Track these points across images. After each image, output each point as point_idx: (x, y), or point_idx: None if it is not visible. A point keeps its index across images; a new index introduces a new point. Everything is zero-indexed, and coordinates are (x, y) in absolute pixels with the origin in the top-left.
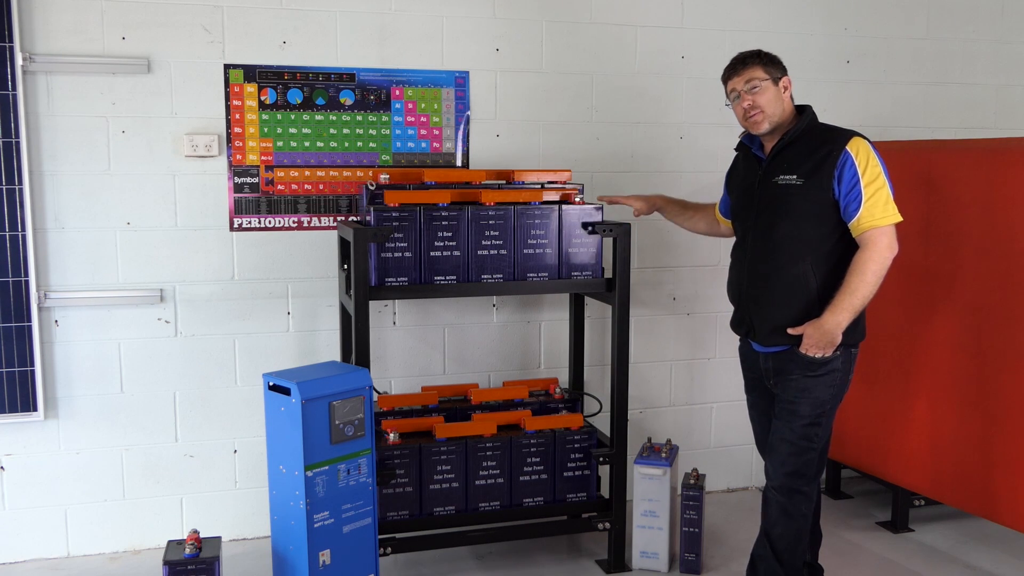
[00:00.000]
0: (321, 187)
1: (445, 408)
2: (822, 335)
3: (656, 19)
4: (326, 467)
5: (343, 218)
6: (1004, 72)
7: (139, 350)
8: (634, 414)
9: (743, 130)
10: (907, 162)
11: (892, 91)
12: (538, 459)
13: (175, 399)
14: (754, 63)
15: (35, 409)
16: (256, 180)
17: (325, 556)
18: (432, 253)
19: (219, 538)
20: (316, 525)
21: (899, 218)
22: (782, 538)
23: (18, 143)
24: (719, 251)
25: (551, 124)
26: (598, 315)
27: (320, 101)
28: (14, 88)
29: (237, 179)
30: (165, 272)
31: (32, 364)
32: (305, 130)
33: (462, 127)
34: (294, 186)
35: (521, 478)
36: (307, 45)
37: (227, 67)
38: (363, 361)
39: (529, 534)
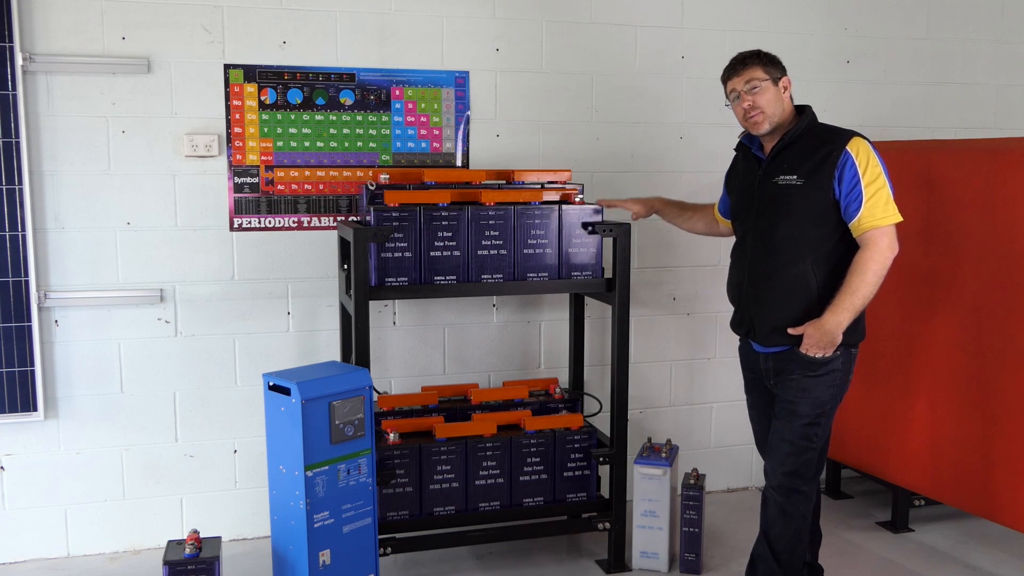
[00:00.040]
0: (321, 187)
1: (445, 408)
2: (823, 335)
3: (656, 19)
4: (326, 467)
5: (343, 218)
6: (1004, 72)
7: (139, 350)
8: (634, 414)
9: (743, 130)
10: (907, 162)
11: (892, 91)
12: (538, 459)
13: (175, 399)
14: (754, 63)
15: (35, 409)
16: (256, 180)
17: (325, 556)
18: (432, 253)
19: (219, 538)
20: (316, 525)
21: (899, 218)
22: (781, 538)
23: (18, 143)
24: (719, 251)
25: (551, 124)
26: (598, 315)
27: (320, 101)
28: (14, 88)
29: (237, 179)
30: (165, 272)
31: (32, 364)
32: (305, 130)
33: (462, 127)
34: (294, 186)
35: (521, 478)
36: (307, 45)
37: (227, 67)
38: (363, 361)
39: (529, 534)
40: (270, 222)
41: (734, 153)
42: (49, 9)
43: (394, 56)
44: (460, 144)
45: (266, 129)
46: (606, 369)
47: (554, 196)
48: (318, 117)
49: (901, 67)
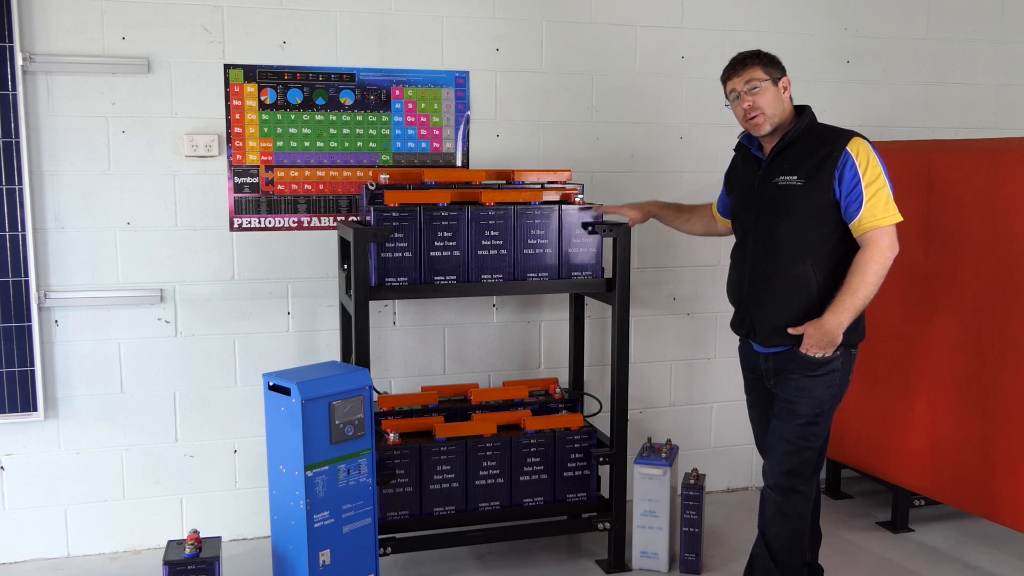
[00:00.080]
0: (321, 187)
1: (445, 408)
2: (823, 335)
3: (656, 19)
4: (326, 467)
5: (343, 218)
6: (1004, 72)
7: (139, 350)
8: (634, 414)
9: (742, 130)
10: (907, 162)
11: (892, 91)
12: (538, 459)
13: (175, 399)
14: (754, 63)
15: (35, 409)
16: (256, 180)
17: (325, 556)
18: (432, 253)
19: (219, 538)
20: (316, 525)
21: (900, 218)
22: (777, 538)
23: (18, 143)
24: (719, 251)
25: (551, 124)
26: (598, 315)
27: (320, 101)
28: (14, 88)
29: (237, 179)
30: (165, 272)
31: (32, 364)
32: (305, 130)
33: (462, 127)
34: (294, 186)
35: (521, 478)
36: (307, 45)
37: (227, 67)
38: (363, 361)
39: (529, 534)
40: (270, 222)
41: (734, 153)
42: (49, 9)
43: (394, 56)
44: (460, 144)
45: (266, 129)
46: (606, 369)
47: (554, 196)
48: (318, 117)
49: (901, 67)
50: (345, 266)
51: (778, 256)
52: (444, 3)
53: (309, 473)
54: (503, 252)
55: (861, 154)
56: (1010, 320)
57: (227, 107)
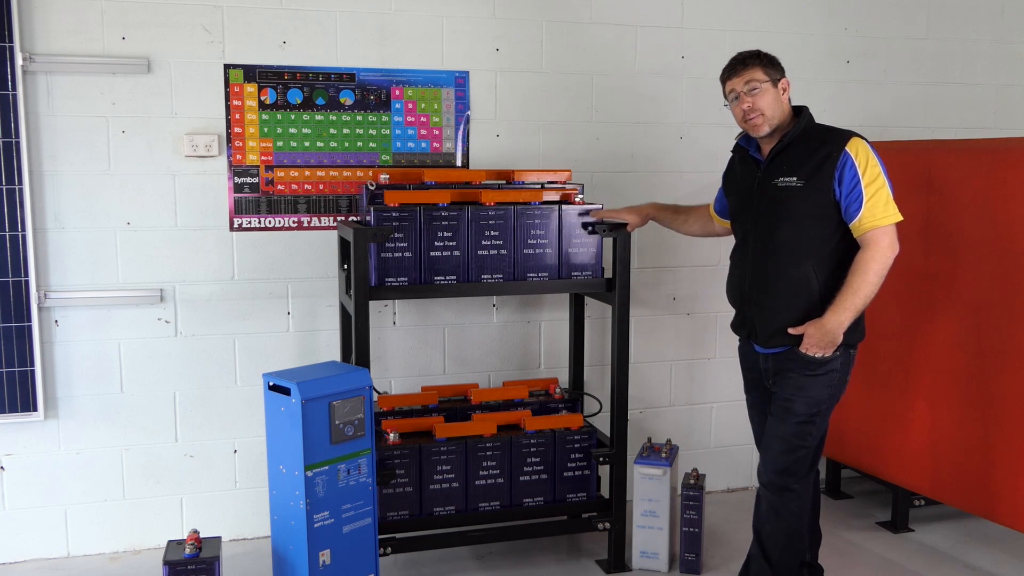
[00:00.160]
0: (321, 187)
1: (445, 408)
2: (824, 335)
3: (656, 19)
4: (326, 467)
5: (343, 218)
6: (1004, 72)
7: (139, 350)
8: (634, 414)
9: (740, 130)
10: (907, 162)
11: (892, 91)
12: (538, 459)
13: (175, 399)
14: (754, 64)
15: (35, 409)
16: (256, 180)
17: (325, 556)
18: (432, 253)
19: (219, 538)
20: (316, 525)
21: (900, 217)
22: (771, 537)
23: (18, 143)
24: (719, 251)
25: (551, 124)
26: (598, 315)
27: (320, 101)
28: (14, 88)
29: (237, 179)
30: (165, 272)
31: (32, 364)
32: (305, 130)
33: (462, 127)
34: (294, 186)
35: (521, 478)
36: (307, 45)
37: (227, 67)
38: (363, 361)
39: (529, 534)
40: (270, 222)
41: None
42: (49, 9)
43: (394, 56)
44: (460, 144)
45: (266, 129)
46: (606, 369)
47: (554, 196)
48: (318, 117)
49: (901, 67)
50: (345, 266)
51: (779, 257)
52: (444, 3)
53: (309, 473)
54: (503, 252)
55: (860, 154)
56: (1010, 320)
57: (227, 107)
